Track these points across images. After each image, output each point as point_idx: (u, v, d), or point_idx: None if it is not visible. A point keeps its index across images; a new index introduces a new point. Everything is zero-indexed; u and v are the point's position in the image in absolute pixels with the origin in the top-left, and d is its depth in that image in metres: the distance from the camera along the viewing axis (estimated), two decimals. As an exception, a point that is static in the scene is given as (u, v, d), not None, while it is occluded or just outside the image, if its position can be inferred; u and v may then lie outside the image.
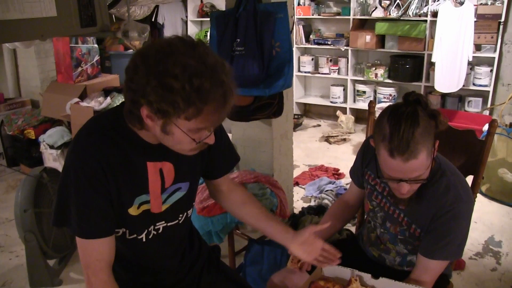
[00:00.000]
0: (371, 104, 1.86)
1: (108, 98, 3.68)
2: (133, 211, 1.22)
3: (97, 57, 4.03)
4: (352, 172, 1.69)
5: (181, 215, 1.36)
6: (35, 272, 2.50)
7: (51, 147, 3.69)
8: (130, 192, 1.20)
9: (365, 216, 1.71)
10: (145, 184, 1.22)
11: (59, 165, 3.69)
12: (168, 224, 1.33)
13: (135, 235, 1.27)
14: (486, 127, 3.69)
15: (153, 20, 5.48)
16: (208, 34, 2.69)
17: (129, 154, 1.17)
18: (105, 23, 1.82)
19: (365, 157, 1.59)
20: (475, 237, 2.91)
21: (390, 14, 4.80)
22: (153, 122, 1.06)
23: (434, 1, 4.50)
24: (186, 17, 5.87)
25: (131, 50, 5.13)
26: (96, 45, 4.02)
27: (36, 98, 4.59)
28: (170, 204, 1.30)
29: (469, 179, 1.54)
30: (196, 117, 1.03)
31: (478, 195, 3.38)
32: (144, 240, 1.29)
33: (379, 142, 1.27)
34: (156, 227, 1.31)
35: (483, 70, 4.53)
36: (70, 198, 1.13)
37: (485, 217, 3.16)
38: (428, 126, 1.25)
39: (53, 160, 3.73)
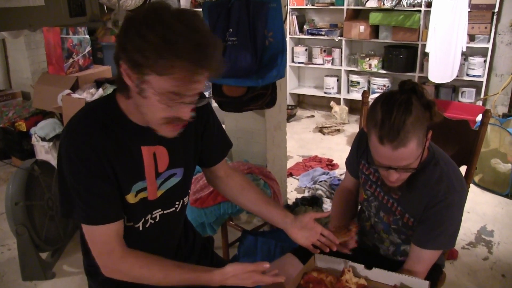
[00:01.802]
0: (365, 94, 1.85)
1: (100, 89, 3.65)
2: (131, 198, 1.21)
3: (88, 48, 3.99)
4: (348, 162, 1.68)
5: (177, 203, 1.35)
6: (27, 265, 2.48)
7: (43, 139, 3.66)
8: (127, 178, 1.19)
9: (359, 206, 1.71)
10: (141, 170, 1.21)
11: (51, 158, 3.66)
12: (165, 212, 1.32)
13: (132, 223, 1.26)
14: (479, 118, 3.70)
15: (145, 10, 5.42)
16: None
17: (123, 139, 1.16)
18: (95, 13, 1.79)
19: (360, 147, 1.59)
20: (468, 227, 2.92)
21: (384, 4, 4.78)
22: (131, 80, 1.05)
23: (428, -9, 4.49)
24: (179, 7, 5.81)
25: (123, 41, 5.08)
26: (87, 36, 3.97)
27: (27, 90, 4.55)
28: (165, 190, 1.29)
29: (463, 169, 1.54)
30: (167, 74, 0.99)
31: (471, 185, 3.41)
32: (140, 229, 1.28)
33: (370, 128, 1.27)
34: (153, 216, 1.30)
35: (476, 60, 4.53)
36: (69, 186, 1.12)
37: (478, 207, 3.17)
38: (421, 115, 1.24)
39: (45, 152, 3.70)
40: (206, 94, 1.12)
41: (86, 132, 1.11)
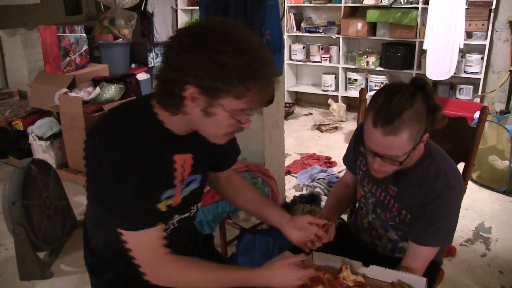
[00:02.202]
0: (362, 91, 1.84)
1: (97, 88, 3.64)
2: (161, 206, 1.20)
3: (85, 47, 3.98)
4: (346, 158, 1.69)
5: (193, 208, 1.36)
6: (24, 265, 2.47)
7: (40, 138, 3.65)
8: (160, 186, 1.18)
9: (357, 203, 1.71)
10: (173, 178, 1.21)
11: (48, 157, 3.65)
12: (181, 216, 1.32)
13: None
14: (477, 115, 3.70)
15: (142, 9, 5.40)
16: (197, 22, 2.65)
17: (157, 147, 1.14)
18: (91, 11, 1.78)
19: (357, 144, 1.59)
20: (466, 224, 2.92)
21: (381, 1, 4.78)
22: (195, 103, 1.03)
23: (425, -12, 4.49)
24: (176, 5, 5.80)
25: (121, 40, 5.06)
26: (84, 35, 3.96)
27: (23, 88, 4.54)
28: (184, 196, 1.29)
29: (461, 166, 1.53)
30: (244, 96, 1.01)
31: (469, 182, 3.41)
32: None
33: (369, 110, 1.27)
34: (172, 221, 1.30)
35: (474, 57, 4.54)
36: (110, 194, 1.10)
37: (476, 204, 3.18)
38: (421, 113, 1.23)
39: (42, 151, 3.69)
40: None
41: (127, 142, 1.09)
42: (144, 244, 1.14)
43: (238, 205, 1.54)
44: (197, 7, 5.45)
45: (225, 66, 0.97)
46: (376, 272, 1.32)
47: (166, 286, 1.19)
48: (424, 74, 4.49)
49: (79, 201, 3.36)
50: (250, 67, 0.98)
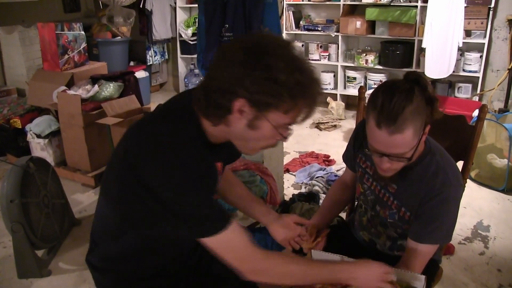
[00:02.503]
0: (361, 90, 1.84)
1: (96, 86, 3.63)
2: None
3: (84, 44, 3.97)
4: (345, 156, 1.69)
5: None
6: (23, 263, 2.47)
7: (38, 136, 3.64)
8: (213, 193, 1.21)
9: (356, 200, 1.71)
10: (217, 185, 1.26)
11: (46, 155, 3.64)
12: None
13: None
14: (476, 113, 3.70)
15: (141, 6, 5.39)
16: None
17: (207, 157, 1.15)
18: (89, 9, 1.77)
19: (357, 141, 1.59)
20: (465, 222, 2.93)
21: (380, -1, 4.77)
22: (242, 116, 1.06)
23: (425, -14, 4.48)
24: (175, 3, 5.79)
25: (119, 37, 5.05)
26: (83, 32, 3.95)
27: (22, 86, 4.53)
28: None
29: (459, 164, 1.53)
30: (292, 111, 1.06)
31: (468, 180, 3.41)
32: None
33: (369, 111, 1.26)
34: None
35: (473, 56, 4.54)
36: (191, 211, 1.08)
37: (474, 202, 3.18)
38: (421, 106, 1.23)
39: (40, 149, 3.69)
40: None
41: (192, 155, 1.08)
42: (234, 243, 1.14)
43: (227, 200, 1.57)
44: (196, 5, 5.44)
45: (277, 82, 1.00)
46: (375, 270, 1.31)
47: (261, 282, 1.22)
48: (423, 72, 4.49)
49: (77, 199, 3.36)
50: (300, 84, 1.02)
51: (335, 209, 1.72)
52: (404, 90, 1.22)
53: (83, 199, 3.37)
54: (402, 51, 4.83)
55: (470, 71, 4.60)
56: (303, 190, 3.35)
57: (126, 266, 1.31)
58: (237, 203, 1.56)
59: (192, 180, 1.05)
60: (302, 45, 5.49)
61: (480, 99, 4.74)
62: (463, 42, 4.35)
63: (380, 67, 5.04)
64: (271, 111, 1.04)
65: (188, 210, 1.07)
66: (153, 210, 1.10)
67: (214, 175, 1.21)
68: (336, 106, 5.03)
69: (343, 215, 2.57)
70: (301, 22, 5.40)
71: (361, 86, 1.87)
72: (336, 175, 3.43)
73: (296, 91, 1.02)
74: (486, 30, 4.43)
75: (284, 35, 5.36)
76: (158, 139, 1.09)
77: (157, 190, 1.05)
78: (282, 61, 1.01)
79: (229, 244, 1.13)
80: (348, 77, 5.30)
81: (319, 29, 5.25)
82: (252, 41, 1.05)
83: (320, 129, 4.79)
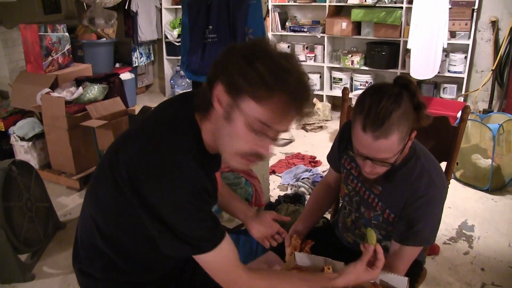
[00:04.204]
0: (345, 91, 1.84)
1: (80, 88, 3.60)
2: None
3: (68, 46, 3.93)
4: (330, 157, 1.69)
5: None
6: (5, 268, 2.43)
7: (22, 139, 3.60)
8: (212, 204, 1.21)
9: (341, 202, 1.71)
10: (216, 195, 1.24)
11: (30, 158, 3.60)
12: None
13: None
14: (460, 114, 3.73)
15: (126, 7, 5.36)
16: (181, 21, 2.64)
17: (209, 169, 1.14)
18: (70, 10, 1.75)
19: (342, 142, 1.59)
20: (449, 222, 2.95)
21: (365, 1, 4.80)
22: (220, 104, 1.04)
23: (409, -12, 4.51)
24: (161, 4, 5.76)
25: (104, 39, 5.01)
26: (66, 34, 3.91)
27: (5, 88, 4.45)
28: None
29: (443, 165, 1.54)
30: (265, 102, 1.00)
31: (452, 180, 3.45)
32: None
33: (356, 114, 1.25)
34: None
35: (457, 57, 4.58)
36: (187, 227, 1.07)
37: (459, 202, 3.21)
38: (408, 113, 1.23)
39: (24, 152, 3.64)
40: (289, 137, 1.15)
41: (193, 171, 1.06)
42: (225, 259, 1.13)
43: None
44: (179, 6, 5.42)
45: (254, 67, 0.98)
46: (358, 272, 1.31)
47: None
48: (408, 73, 4.52)
49: (62, 202, 3.32)
50: (280, 78, 0.98)
51: (319, 211, 1.72)
52: (393, 94, 1.21)
53: (68, 202, 3.33)
54: (387, 52, 4.86)
55: (455, 72, 4.64)
56: (289, 191, 3.35)
57: (115, 273, 1.28)
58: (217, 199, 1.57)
59: (193, 197, 1.05)
60: (288, 46, 5.50)
61: (465, 100, 4.78)
62: (448, 43, 4.40)
63: (366, 68, 5.06)
64: (244, 98, 1.00)
65: (182, 227, 1.06)
66: (151, 225, 1.08)
67: (213, 187, 1.19)
68: (322, 107, 5.04)
69: (328, 216, 2.58)
70: (287, 23, 5.41)
71: (344, 87, 1.87)
72: (321, 176, 3.43)
73: (272, 81, 0.98)
74: (470, 31, 4.48)
75: (269, 36, 5.36)
76: (158, 154, 1.05)
77: (156, 205, 1.04)
78: (267, 56, 1.00)
79: (217, 264, 1.13)
80: (334, 78, 5.31)
81: (305, 30, 5.26)
82: (252, 42, 1.07)
83: (307, 130, 4.80)
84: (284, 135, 1.10)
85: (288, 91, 1.00)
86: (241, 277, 1.15)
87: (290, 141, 1.15)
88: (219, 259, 1.12)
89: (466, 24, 4.45)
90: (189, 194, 1.04)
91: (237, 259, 1.16)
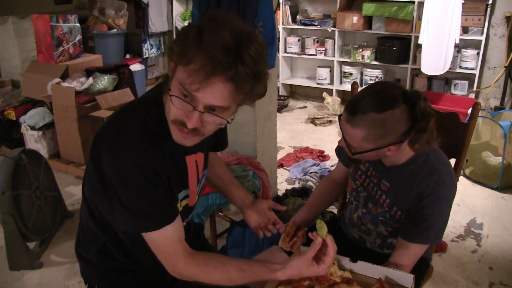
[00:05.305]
0: (354, 85, 1.83)
1: (90, 78, 3.61)
2: (178, 207, 1.23)
3: (79, 37, 3.94)
4: (338, 150, 1.68)
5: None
6: (14, 255, 2.46)
7: (32, 128, 3.62)
8: (176, 188, 1.21)
9: (348, 197, 1.70)
10: (186, 179, 1.24)
11: (40, 147, 3.63)
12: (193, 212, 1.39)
13: None
14: (470, 110, 3.70)
15: (137, -1, 5.35)
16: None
17: (171, 151, 1.15)
18: (81, 0, 1.75)
19: None
20: (458, 220, 2.93)
21: (377, -5, 4.75)
22: (172, 75, 1.04)
23: (422, -18, 4.46)
24: (172, -4, 5.76)
25: (115, 30, 5.01)
26: (78, 24, 3.92)
27: (16, 78, 4.50)
28: (198, 193, 1.34)
29: (452, 162, 1.53)
30: (188, 65, 0.96)
31: (462, 178, 3.42)
32: None
33: (357, 93, 1.33)
34: (188, 219, 1.35)
35: (469, 53, 4.53)
36: (134, 201, 1.10)
37: (468, 200, 3.18)
38: (390, 124, 1.23)
39: (34, 141, 3.67)
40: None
41: (144, 150, 1.08)
42: (167, 242, 1.15)
43: (207, 179, 1.55)
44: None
45: (186, 32, 0.98)
46: (363, 268, 1.31)
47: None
48: (419, 69, 4.48)
49: (70, 192, 3.35)
50: (201, 36, 0.95)
51: (320, 206, 1.71)
52: (388, 96, 1.23)
53: (76, 192, 3.35)
54: (398, 47, 4.82)
55: (466, 68, 4.59)
56: (296, 185, 3.34)
57: (108, 259, 1.30)
58: (216, 184, 1.57)
59: (138, 173, 1.06)
60: (299, 40, 5.47)
61: (476, 96, 4.73)
62: (460, 39, 4.35)
63: (376, 63, 5.02)
64: (173, 59, 1.01)
65: (131, 202, 1.09)
66: (106, 198, 1.13)
67: (176, 170, 1.18)
68: (332, 101, 5.02)
69: (336, 210, 2.58)
70: (297, 17, 5.38)
71: (354, 82, 1.85)
72: (329, 171, 3.42)
73: (194, 40, 0.95)
74: (483, 27, 4.42)
75: (280, 30, 5.34)
76: (117, 130, 1.10)
77: (108, 176, 1.08)
78: (206, 24, 0.98)
79: (159, 245, 1.16)
80: (344, 72, 5.28)
81: (316, 24, 5.22)
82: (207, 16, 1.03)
83: (315, 124, 4.79)
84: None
85: (207, 56, 0.94)
86: (178, 262, 1.17)
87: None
88: (161, 240, 1.14)
89: (479, 20, 4.39)
90: (135, 170, 1.06)
91: (180, 243, 1.18)
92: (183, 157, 1.21)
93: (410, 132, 1.25)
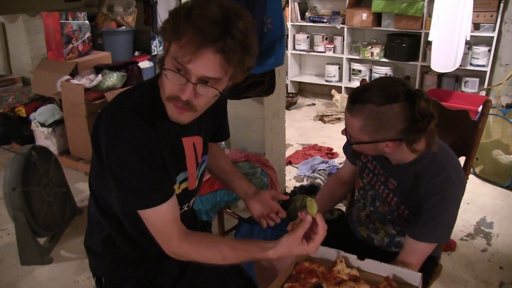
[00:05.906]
0: (363, 83, 1.82)
1: (99, 75, 3.63)
2: (176, 189, 1.24)
3: (88, 34, 3.96)
4: (345, 148, 1.67)
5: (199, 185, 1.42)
6: (25, 250, 2.49)
7: (42, 125, 3.65)
8: (173, 170, 1.22)
9: (356, 195, 1.70)
10: (184, 161, 1.25)
11: (50, 143, 3.65)
12: (195, 197, 1.39)
13: None
14: (481, 108, 3.66)
15: (146, -4, 5.36)
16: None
17: (166, 132, 1.17)
18: (90, -2, 1.76)
19: None
20: (467, 219, 2.90)
21: (387, -9, 4.71)
22: (166, 53, 1.07)
23: (433, -22, 4.42)
24: (180, -7, 5.76)
25: (124, 27, 5.03)
26: (87, 22, 3.94)
27: (26, 75, 4.53)
28: (199, 177, 1.35)
29: (461, 160, 1.51)
30: (179, 39, 1.01)
31: (472, 176, 3.39)
32: None
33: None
34: (189, 204, 1.36)
35: (481, 50, 4.48)
36: (129, 178, 1.11)
37: (478, 199, 3.15)
38: (387, 119, 1.22)
39: (44, 138, 3.70)
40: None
41: (139, 129, 1.11)
42: (161, 220, 1.16)
43: (210, 171, 1.58)
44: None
45: (176, 10, 1.03)
46: (371, 266, 1.30)
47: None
48: (429, 66, 4.44)
49: (80, 188, 3.37)
50: (190, 11, 0.99)
51: (328, 203, 1.71)
52: (387, 93, 1.22)
53: (85, 188, 3.37)
54: (408, 44, 4.78)
55: (477, 65, 4.54)
56: (305, 182, 3.34)
57: (113, 248, 1.32)
58: (219, 175, 1.58)
59: (132, 150, 1.09)
60: (308, 37, 5.45)
61: (487, 94, 4.68)
62: (471, 36, 4.30)
63: (386, 60, 4.99)
64: (167, 38, 1.05)
65: (125, 178, 1.11)
66: (103, 175, 1.16)
67: (172, 150, 1.20)
68: (341, 98, 4.99)
69: (344, 208, 2.57)
70: (306, 14, 5.36)
71: (363, 79, 1.85)
72: (338, 168, 3.41)
73: (183, 16, 1.00)
74: (495, 23, 4.36)
75: (289, 27, 5.32)
76: (115, 110, 1.15)
77: (106, 156, 1.11)
78: (196, 1, 1.02)
79: (155, 219, 1.16)
80: (353, 69, 5.25)
81: (325, 20, 5.20)
82: None
83: (324, 122, 4.77)
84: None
85: (196, 28, 0.98)
86: (173, 240, 1.17)
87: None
88: (155, 218, 1.15)
89: (491, 16, 4.34)
90: (129, 146, 1.08)
91: (175, 222, 1.18)
92: (179, 139, 1.22)
93: (409, 131, 1.23)
